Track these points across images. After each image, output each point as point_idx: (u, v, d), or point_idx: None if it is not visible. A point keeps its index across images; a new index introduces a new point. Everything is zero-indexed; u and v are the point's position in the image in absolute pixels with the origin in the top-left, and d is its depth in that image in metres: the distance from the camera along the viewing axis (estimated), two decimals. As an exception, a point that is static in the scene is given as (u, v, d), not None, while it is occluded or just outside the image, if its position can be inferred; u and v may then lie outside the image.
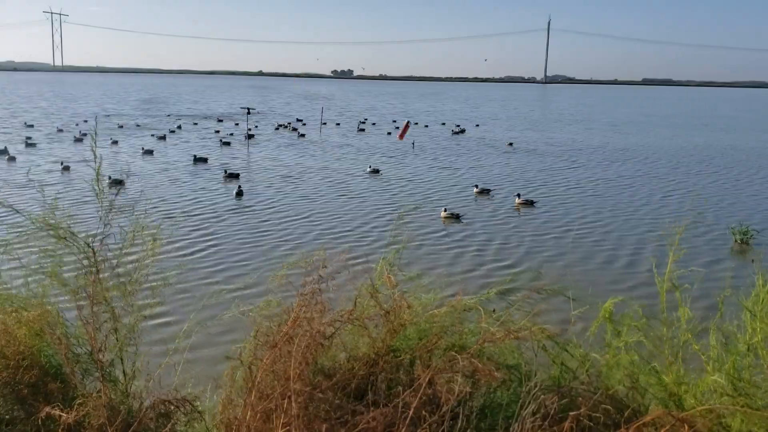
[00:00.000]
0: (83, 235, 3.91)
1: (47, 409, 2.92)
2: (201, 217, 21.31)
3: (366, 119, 66.84)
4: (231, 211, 22.53)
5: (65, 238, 3.84)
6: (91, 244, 3.82)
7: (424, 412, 2.79)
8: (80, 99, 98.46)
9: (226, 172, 30.19)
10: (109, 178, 20.96)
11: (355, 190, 27.31)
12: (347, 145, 44.52)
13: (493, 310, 3.89)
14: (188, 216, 21.16)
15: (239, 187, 26.03)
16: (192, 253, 16.61)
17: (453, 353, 3.27)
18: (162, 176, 29.73)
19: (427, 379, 2.92)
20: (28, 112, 65.69)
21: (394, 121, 65.70)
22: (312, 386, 2.99)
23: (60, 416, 2.91)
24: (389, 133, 52.82)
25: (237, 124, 57.37)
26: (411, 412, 2.73)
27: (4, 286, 3.96)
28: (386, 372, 3.47)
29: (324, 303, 3.39)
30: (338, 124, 62.44)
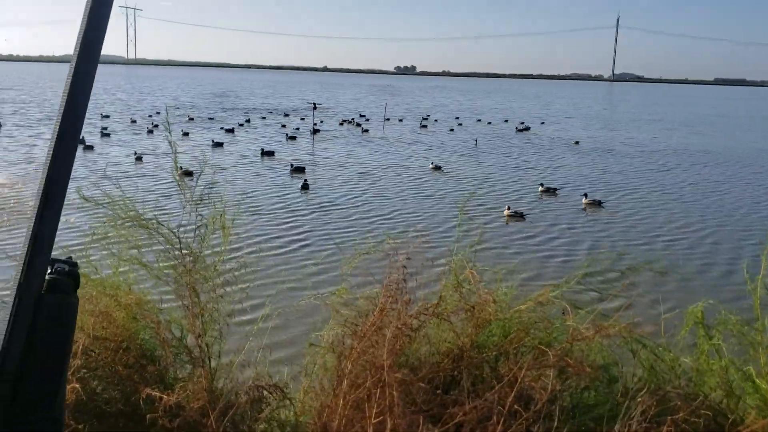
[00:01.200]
0: (167, 224, 4.01)
1: (147, 390, 3.02)
2: (269, 207, 21.71)
3: (428, 116, 66.59)
4: (297, 203, 22.90)
5: (149, 228, 3.94)
6: (176, 233, 3.92)
7: (517, 407, 2.76)
8: (155, 92, 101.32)
9: (292, 165, 30.59)
10: (180, 168, 21.49)
11: (416, 186, 27.30)
12: (410, 142, 44.49)
13: (563, 312, 3.82)
14: (257, 207, 21.58)
15: (305, 180, 26.36)
16: (265, 241, 16.96)
17: (543, 348, 3.23)
18: (233, 169, 30.40)
19: (522, 375, 2.89)
20: (108, 104, 68.05)
21: (457, 118, 65.26)
22: (402, 377, 3.00)
23: (160, 398, 3.00)
24: (452, 130, 52.51)
25: (303, 119, 57.98)
26: (507, 407, 2.71)
27: (96, 273, 4.10)
28: (471, 367, 3.45)
29: (409, 294, 3.40)
30: (401, 120, 62.42)
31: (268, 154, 35.01)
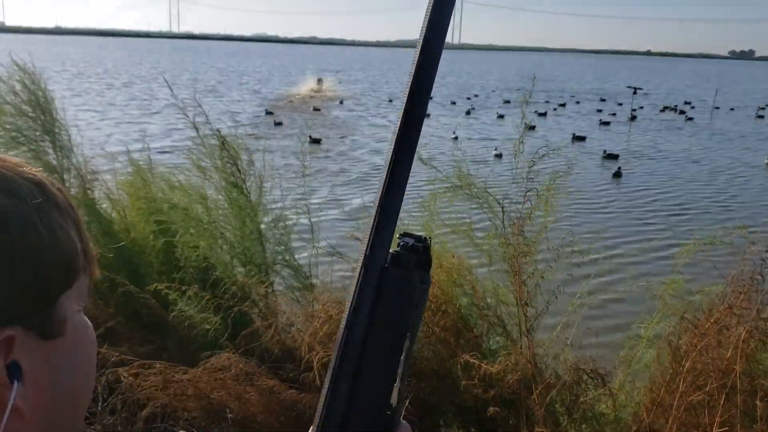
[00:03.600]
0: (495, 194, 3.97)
1: (465, 356, 3.01)
2: (579, 193, 21.11)
3: (766, 105, 58.81)
4: (608, 191, 21.93)
5: (478, 197, 3.93)
6: (501, 203, 3.86)
7: None
8: (479, 76, 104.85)
9: (605, 152, 29.37)
10: (498, 148, 21.78)
11: (741, 184, 24.23)
12: (740, 134, 39.75)
13: None
14: (569, 191, 21.11)
15: (618, 168, 25.13)
16: (578, 224, 16.52)
17: None
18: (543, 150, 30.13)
19: None
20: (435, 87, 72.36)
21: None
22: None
23: (479, 365, 2.97)
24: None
25: (620, 104, 55.20)
26: None
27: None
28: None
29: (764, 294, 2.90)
30: (732, 109, 56.12)
31: (579, 139, 34.10)
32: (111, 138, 22.97)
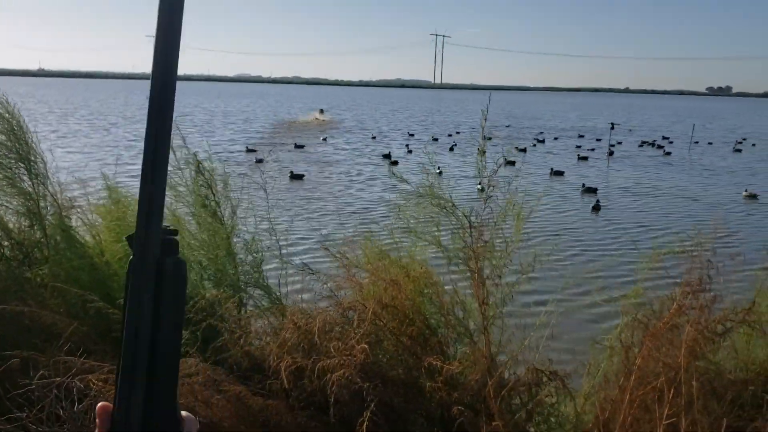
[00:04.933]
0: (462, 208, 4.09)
1: (429, 358, 3.09)
2: (560, 225, 21.32)
3: (744, 139, 59.96)
4: (587, 222, 22.24)
5: (445, 207, 4.04)
6: (467, 216, 3.96)
7: None
8: (458, 113, 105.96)
9: (584, 185, 29.74)
10: (481, 183, 22.03)
11: (723, 216, 24.56)
12: (718, 168, 40.42)
13: None
14: (545, 224, 21.32)
15: (597, 201, 25.45)
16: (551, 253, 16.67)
17: None
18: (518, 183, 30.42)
19: None
20: (416, 123, 73.70)
21: (777, 144, 57.73)
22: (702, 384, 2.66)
23: (441, 368, 3.05)
24: (776, 155, 46.67)
25: (599, 140, 56.01)
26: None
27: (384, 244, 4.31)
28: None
29: (714, 295, 3.01)
30: (710, 143, 57.11)
31: (557, 173, 34.55)
32: (87, 166, 23.10)
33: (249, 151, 38.64)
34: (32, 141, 5.72)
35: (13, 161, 5.58)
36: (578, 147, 50.37)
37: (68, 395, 2.73)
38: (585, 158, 42.82)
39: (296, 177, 29.36)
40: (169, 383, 0.90)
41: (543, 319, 4.01)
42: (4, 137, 5.61)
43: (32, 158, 5.69)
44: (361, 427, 2.74)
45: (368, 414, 2.90)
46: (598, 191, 28.59)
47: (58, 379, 2.67)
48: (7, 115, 5.65)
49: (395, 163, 37.32)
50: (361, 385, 3.12)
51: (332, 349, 3.14)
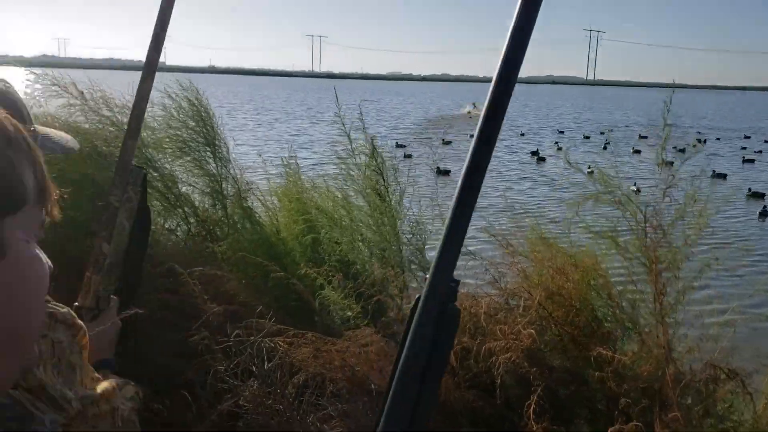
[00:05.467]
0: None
1: (599, 348, 3.07)
2: (728, 233, 20.02)
3: None
4: (753, 229, 20.83)
5: (621, 202, 3.94)
6: (643, 211, 3.84)
7: None
8: (615, 110, 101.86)
9: (750, 190, 27.79)
10: (636, 184, 21.22)
11: None
12: None
13: None
14: (715, 229, 20.11)
15: (764, 207, 23.76)
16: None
17: None
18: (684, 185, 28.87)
19: None
20: (569, 120, 72.37)
21: None
22: None
23: (613, 357, 3.03)
24: None
25: (767, 142, 51.86)
26: None
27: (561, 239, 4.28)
28: None
29: None
30: None
31: (719, 176, 32.42)
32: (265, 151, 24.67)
33: (398, 146, 39.39)
34: (218, 126, 6.21)
35: (201, 145, 6.09)
36: (743, 149, 46.92)
37: (259, 354, 2.99)
38: (751, 161, 39.86)
39: (443, 173, 29.59)
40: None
41: (722, 321, 3.84)
42: (193, 123, 6.14)
43: (217, 142, 6.18)
44: (529, 409, 2.79)
45: (535, 398, 2.94)
46: (765, 196, 26.66)
47: (252, 338, 2.93)
48: (195, 101, 6.17)
49: (542, 159, 36.62)
50: (528, 370, 3.16)
51: (498, 332, 3.20)
